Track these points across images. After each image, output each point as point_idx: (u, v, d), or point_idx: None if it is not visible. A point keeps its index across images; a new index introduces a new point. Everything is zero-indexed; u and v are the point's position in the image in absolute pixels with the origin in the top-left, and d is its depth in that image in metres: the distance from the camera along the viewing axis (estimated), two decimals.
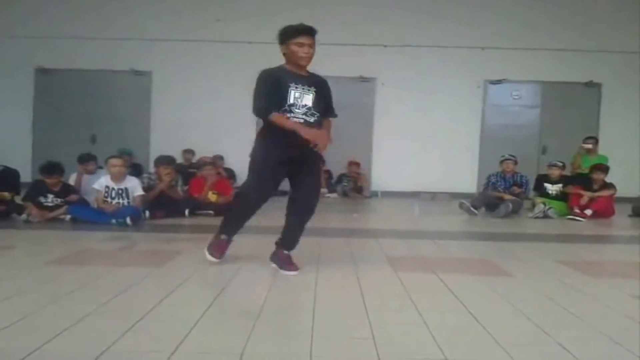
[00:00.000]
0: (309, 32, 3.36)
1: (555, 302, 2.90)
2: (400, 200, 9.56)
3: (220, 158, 9.96)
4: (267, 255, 3.55)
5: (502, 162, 7.99)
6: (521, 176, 7.92)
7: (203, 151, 9.49)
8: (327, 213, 7.51)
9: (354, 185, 10.05)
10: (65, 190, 6.00)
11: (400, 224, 6.60)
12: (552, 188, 7.85)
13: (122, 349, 2.04)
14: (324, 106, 3.51)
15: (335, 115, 3.62)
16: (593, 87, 10.57)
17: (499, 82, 10.64)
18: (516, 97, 10.79)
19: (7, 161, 6.54)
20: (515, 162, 7.94)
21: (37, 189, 5.94)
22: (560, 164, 8.00)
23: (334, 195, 9.90)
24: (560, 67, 10.44)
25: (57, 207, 5.81)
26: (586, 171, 7.90)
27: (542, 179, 8.08)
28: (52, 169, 5.90)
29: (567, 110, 10.53)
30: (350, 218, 6.97)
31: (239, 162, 10.39)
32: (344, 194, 9.93)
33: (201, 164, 7.34)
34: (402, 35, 10.28)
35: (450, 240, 5.25)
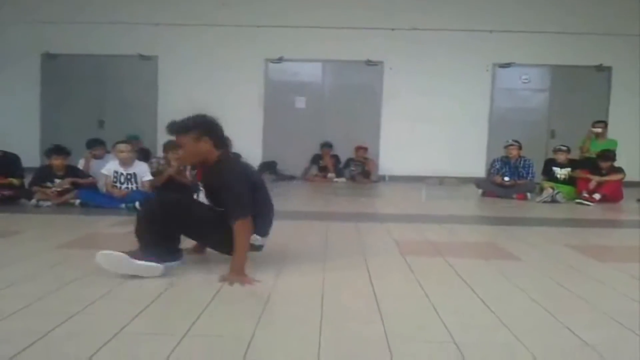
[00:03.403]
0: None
1: (563, 286, 2.90)
2: (408, 184, 9.53)
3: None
4: (279, 239, 3.53)
5: (506, 147, 8.03)
6: (525, 160, 7.91)
7: None
8: (335, 197, 7.53)
9: (361, 169, 10.05)
10: (72, 173, 6.03)
11: (408, 209, 6.59)
12: (560, 172, 7.82)
13: (134, 332, 2.06)
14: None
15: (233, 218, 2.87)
16: (603, 70, 10.44)
17: (507, 65, 10.54)
18: (525, 80, 10.69)
19: (15, 146, 6.53)
20: (520, 147, 7.96)
21: (43, 174, 5.98)
22: (565, 148, 7.96)
23: (342, 179, 9.91)
24: (569, 50, 10.31)
25: (66, 191, 5.85)
26: (595, 155, 7.84)
27: (550, 163, 8.05)
28: (59, 148, 5.97)
29: (577, 94, 10.43)
30: (358, 202, 6.97)
31: (247, 145, 10.43)
32: (352, 179, 9.94)
33: None
34: (409, 19, 10.17)
35: (459, 224, 5.24)
